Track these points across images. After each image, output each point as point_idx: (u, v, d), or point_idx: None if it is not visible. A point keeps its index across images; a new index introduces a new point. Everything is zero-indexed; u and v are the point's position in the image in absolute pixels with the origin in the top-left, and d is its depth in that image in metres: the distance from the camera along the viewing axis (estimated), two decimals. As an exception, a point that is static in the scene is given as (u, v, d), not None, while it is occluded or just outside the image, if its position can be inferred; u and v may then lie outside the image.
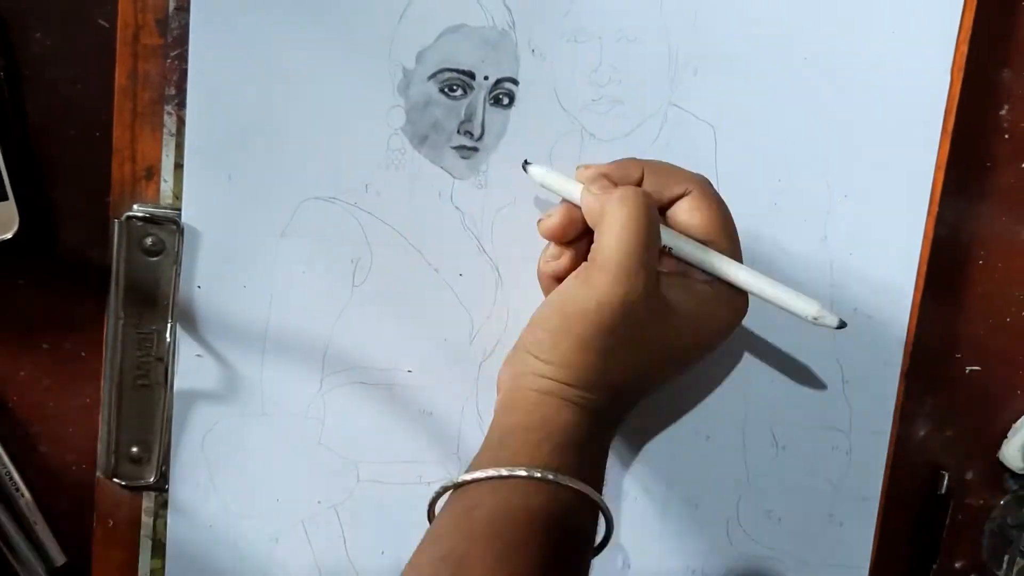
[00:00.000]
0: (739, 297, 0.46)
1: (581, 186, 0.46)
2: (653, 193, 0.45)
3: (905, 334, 0.54)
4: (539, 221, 0.47)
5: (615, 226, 0.42)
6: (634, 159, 0.46)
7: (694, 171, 0.46)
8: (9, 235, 0.48)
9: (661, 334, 0.44)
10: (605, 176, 0.45)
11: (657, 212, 0.44)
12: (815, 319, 0.45)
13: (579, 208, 0.46)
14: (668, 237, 0.45)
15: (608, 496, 0.53)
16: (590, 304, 0.42)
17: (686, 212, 0.45)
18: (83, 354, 0.51)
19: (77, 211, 0.50)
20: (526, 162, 0.48)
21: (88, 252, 0.50)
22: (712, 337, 0.46)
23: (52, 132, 0.49)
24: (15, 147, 0.48)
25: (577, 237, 0.46)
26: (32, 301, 0.51)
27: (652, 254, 0.43)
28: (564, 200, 0.47)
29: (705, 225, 0.45)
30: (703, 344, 0.46)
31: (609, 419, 0.45)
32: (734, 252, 0.46)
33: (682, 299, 0.44)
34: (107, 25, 0.49)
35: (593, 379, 0.43)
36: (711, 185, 0.46)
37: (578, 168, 0.47)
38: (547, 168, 0.47)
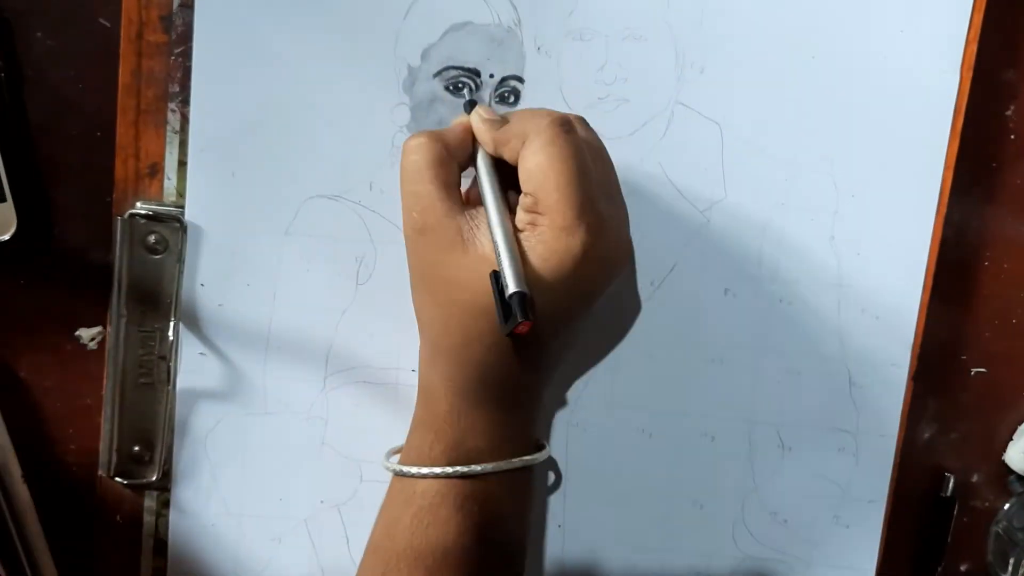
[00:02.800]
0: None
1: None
2: (508, 154, 0.43)
3: (913, 335, 0.53)
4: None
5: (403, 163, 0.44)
6: (495, 122, 0.44)
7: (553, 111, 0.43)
8: (7, 236, 0.48)
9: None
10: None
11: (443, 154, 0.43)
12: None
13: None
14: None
15: (610, 496, 0.53)
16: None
17: (522, 166, 0.42)
18: (84, 354, 0.50)
19: (77, 211, 0.49)
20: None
21: (89, 252, 0.50)
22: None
23: (53, 132, 0.49)
24: (15, 148, 0.48)
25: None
26: (32, 302, 0.50)
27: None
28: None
29: (530, 180, 0.41)
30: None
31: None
32: (565, 215, 0.41)
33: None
34: (108, 25, 0.48)
35: None
36: (560, 130, 0.41)
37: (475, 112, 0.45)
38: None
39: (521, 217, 0.42)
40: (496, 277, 0.40)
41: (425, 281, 0.44)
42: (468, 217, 0.42)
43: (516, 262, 0.40)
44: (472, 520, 0.43)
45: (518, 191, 0.43)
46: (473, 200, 0.45)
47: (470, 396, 0.43)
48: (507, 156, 0.43)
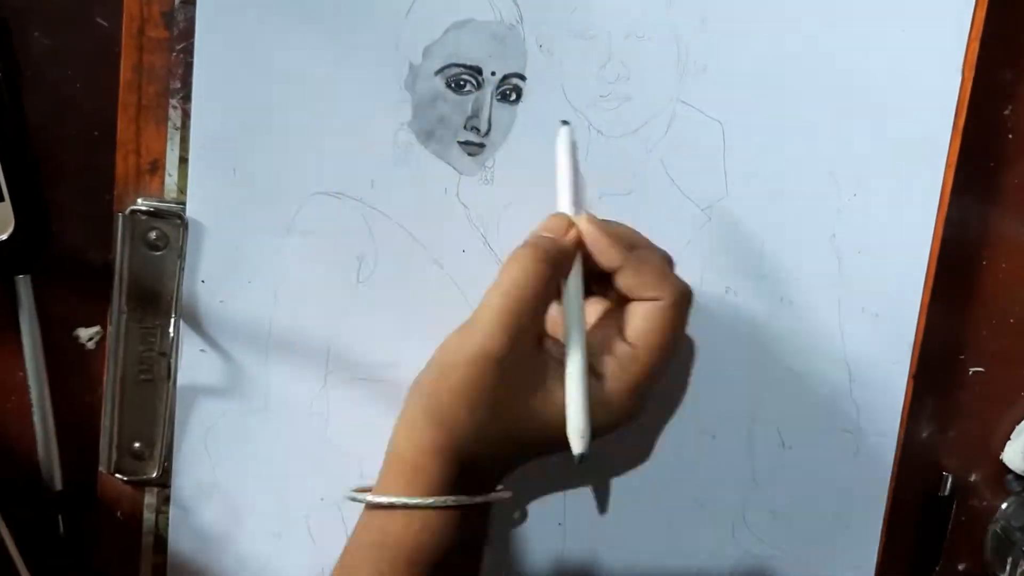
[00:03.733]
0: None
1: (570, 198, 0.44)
2: (627, 288, 0.43)
3: (913, 334, 0.53)
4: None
5: (501, 282, 0.42)
6: (631, 248, 0.43)
7: (683, 282, 0.43)
8: (5, 236, 0.47)
9: (525, 400, 0.42)
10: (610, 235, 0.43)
11: (547, 277, 0.42)
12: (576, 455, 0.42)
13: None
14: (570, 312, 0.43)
15: (613, 496, 0.52)
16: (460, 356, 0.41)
17: (637, 314, 0.42)
18: (83, 353, 0.50)
19: (75, 211, 0.49)
20: (564, 121, 0.45)
21: (87, 252, 0.49)
22: (535, 431, 0.43)
23: (51, 131, 0.48)
24: (13, 147, 0.47)
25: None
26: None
27: (526, 317, 0.41)
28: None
29: (639, 335, 0.42)
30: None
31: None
32: (638, 376, 0.42)
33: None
34: (107, 24, 0.48)
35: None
36: (687, 306, 0.43)
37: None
38: (569, 147, 0.44)
39: (610, 363, 0.42)
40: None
41: (491, 407, 0.42)
42: (551, 354, 0.43)
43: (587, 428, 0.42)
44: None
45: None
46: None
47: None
48: (629, 288, 0.43)
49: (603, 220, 0.44)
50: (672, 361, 0.43)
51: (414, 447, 0.42)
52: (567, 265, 0.43)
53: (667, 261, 0.45)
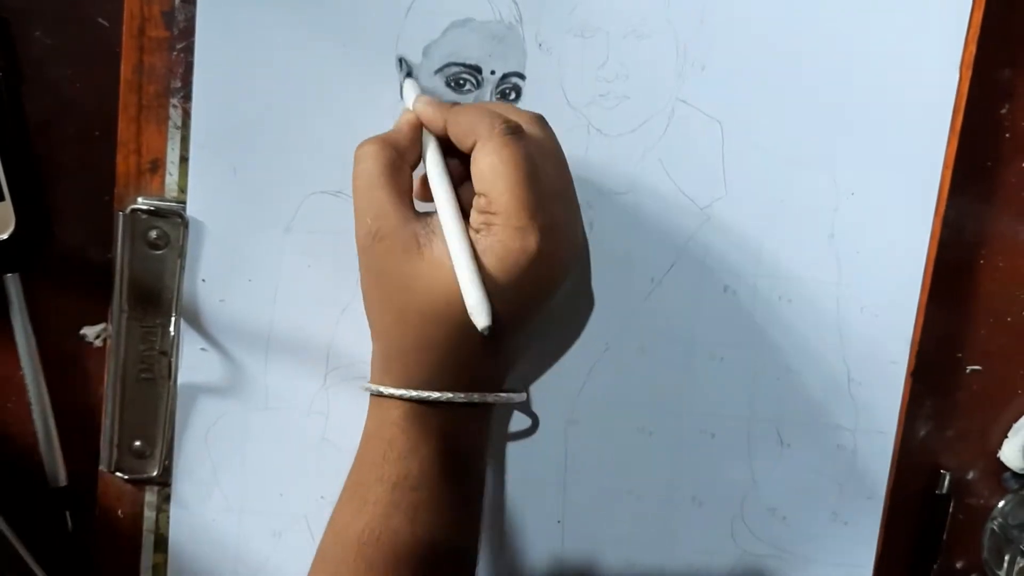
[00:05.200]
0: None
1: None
2: (456, 143, 0.43)
3: (911, 333, 0.52)
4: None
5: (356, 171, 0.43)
6: (454, 104, 0.45)
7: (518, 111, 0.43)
8: (5, 235, 0.47)
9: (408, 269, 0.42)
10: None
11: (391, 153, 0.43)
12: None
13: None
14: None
15: (611, 495, 0.52)
16: None
17: (475, 164, 0.42)
18: (84, 352, 0.50)
19: (76, 210, 0.49)
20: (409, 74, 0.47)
21: (88, 251, 0.49)
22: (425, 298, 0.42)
23: (51, 131, 0.48)
24: (14, 146, 0.47)
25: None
26: (31, 301, 0.49)
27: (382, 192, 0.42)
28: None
29: (480, 181, 0.41)
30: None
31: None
32: (518, 217, 0.41)
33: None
34: (107, 24, 0.48)
35: None
36: (511, 132, 0.41)
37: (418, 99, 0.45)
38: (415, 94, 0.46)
39: (475, 218, 0.42)
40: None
41: (380, 288, 0.43)
42: (424, 223, 0.42)
43: (475, 272, 0.40)
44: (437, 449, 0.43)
45: (467, 183, 0.43)
46: (426, 199, 0.44)
47: (423, 404, 0.43)
48: (457, 143, 0.43)
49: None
50: (533, 188, 0.41)
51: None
52: (411, 136, 0.44)
53: (492, 110, 0.43)
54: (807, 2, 0.49)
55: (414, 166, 0.44)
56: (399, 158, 0.43)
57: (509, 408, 0.50)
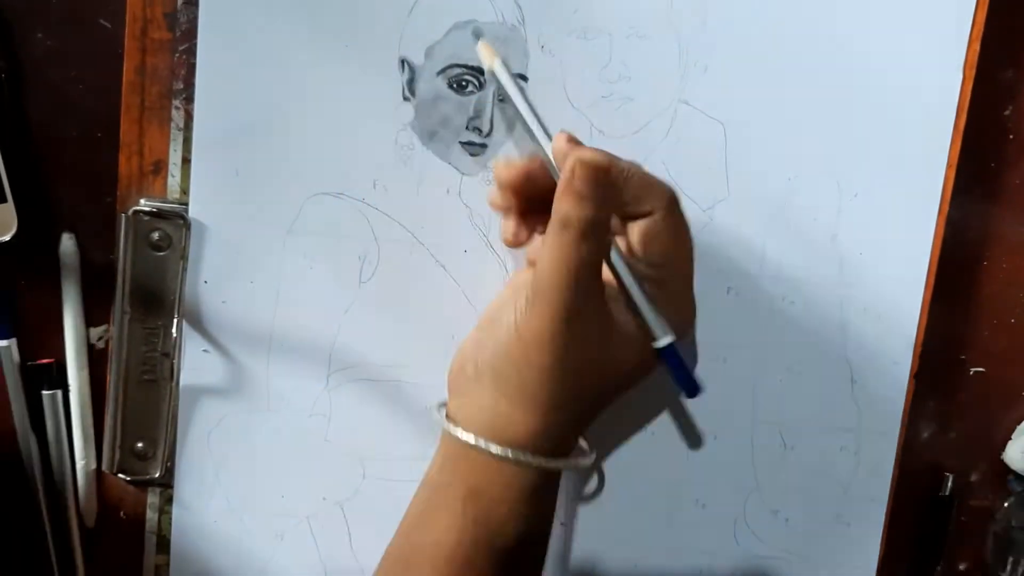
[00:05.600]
0: (646, 347, 0.43)
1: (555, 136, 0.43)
2: (625, 203, 0.42)
3: (914, 334, 0.52)
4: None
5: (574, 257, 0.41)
6: (615, 161, 0.42)
7: (664, 183, 0.43)
8: (8, 237, 0.47)
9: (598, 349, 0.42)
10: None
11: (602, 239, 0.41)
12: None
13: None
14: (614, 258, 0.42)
15: (613, 494, 0.52)
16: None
17: (643, 234, 0.42)
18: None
19: (78, 211, 0.49)
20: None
21: (89, 252, 0.49)
22: (616, 374, 0.43)
23: (53, 132, 0.48)
24: (16, 148, 0.47)
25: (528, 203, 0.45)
26: (32, 302, 0.49)
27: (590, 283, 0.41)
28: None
29: (658, 253, 0.42)
30: (607, 375, 0.43)
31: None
32: (679, 285, 0.44)
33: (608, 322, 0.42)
34: (109, 25, 0.47)
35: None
36: (679, 205, 0.43)
37: (560, 135, 0.43)
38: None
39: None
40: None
41: (569, 361, 0.41)
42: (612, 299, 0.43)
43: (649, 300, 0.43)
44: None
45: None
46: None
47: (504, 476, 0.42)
48: (627, 205, 0.42)
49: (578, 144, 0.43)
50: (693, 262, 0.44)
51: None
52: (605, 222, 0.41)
53: (650, 175, 0.43)
54: (810, 3, 0.49)
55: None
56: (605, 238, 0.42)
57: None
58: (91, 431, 0.50)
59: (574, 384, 0.41)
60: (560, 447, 0.43)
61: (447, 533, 0.41)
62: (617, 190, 0.41)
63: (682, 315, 0.44)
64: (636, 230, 0.42)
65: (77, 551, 0.50)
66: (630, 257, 0.43)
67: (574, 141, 0.43)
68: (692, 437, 0.52)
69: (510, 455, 0.41)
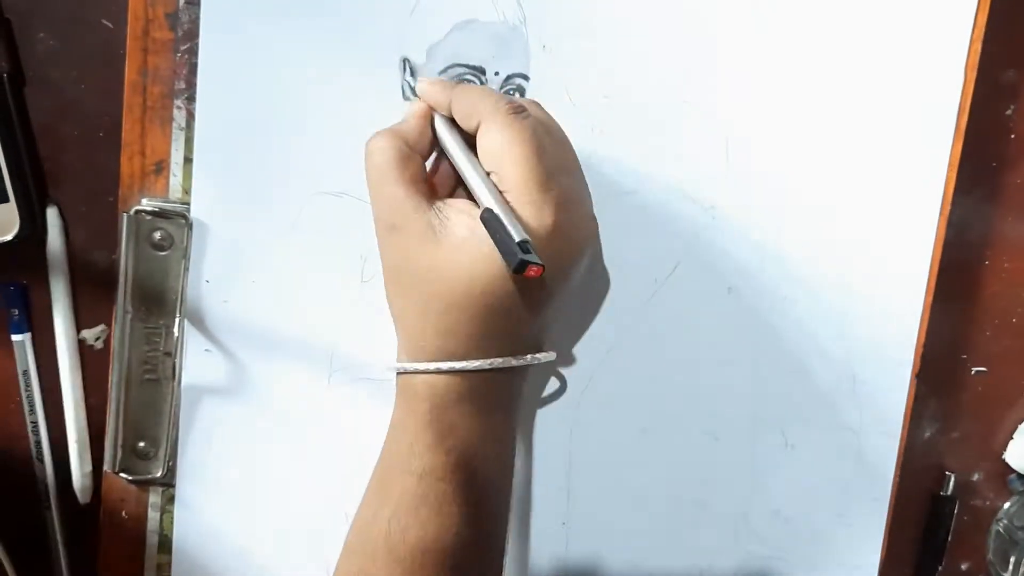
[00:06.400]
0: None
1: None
2: (461, 124, 0.43)
3: (916, 334, 0.52)
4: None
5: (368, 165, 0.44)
6: (453, 84, 0.45)
7: (499, 95, 0.43)
8: (9, 236, 0.47)
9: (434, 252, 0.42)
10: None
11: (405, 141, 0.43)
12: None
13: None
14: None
15: (613, 495, 0.52)
16: None
17: (478, 145, 0.42)
18: (87, 353, 0.50)
19: (79, 212, 0.49)
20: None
21: (91, 252, 0.49)
22: (457, 276, 0.41)
23: (55, 133, 0.48)
24: (18, 148, 0.47)
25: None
26: (34, 302, 0.49)
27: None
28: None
29: (490, 159, 0.42)
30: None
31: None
32: (525, 189, 0.41)
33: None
34: (111, 25, 0.47)
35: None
36: (508, 112, 0.41)
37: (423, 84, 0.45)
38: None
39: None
40: (491, 221, 0.39)
41: (400, 279, 0.43)
42: (437, 210, 0.42)
43: (512, 215, 0.40)
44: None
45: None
46: (439, 189, 0.45)
47: (450, 394, 0.42)
48: (461, 123, 0.43)
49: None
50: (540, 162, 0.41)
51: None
52: (420, 126, 0.44)
53: (489, 92, 0.44)
54: (813, 3, 0.49)
55: (425, 155, 0.44)
56: (409, 148, 0.43)
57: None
58: (85, 432, 0.50)
59: (415, 290, 0.42)
60: (443, 352, 0.42)
61: (411, 456, 0.42)
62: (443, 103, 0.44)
63: (541, 220, 0.40)
64: (477, 142, 0.43)
65: (61, 552, 0.50)
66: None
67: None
68: (693, 436, 0.52)
69: (406, 369, 0.43)
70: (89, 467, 0.50)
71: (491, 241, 0.39)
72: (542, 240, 0.40)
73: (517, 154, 0.40)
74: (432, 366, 0.42)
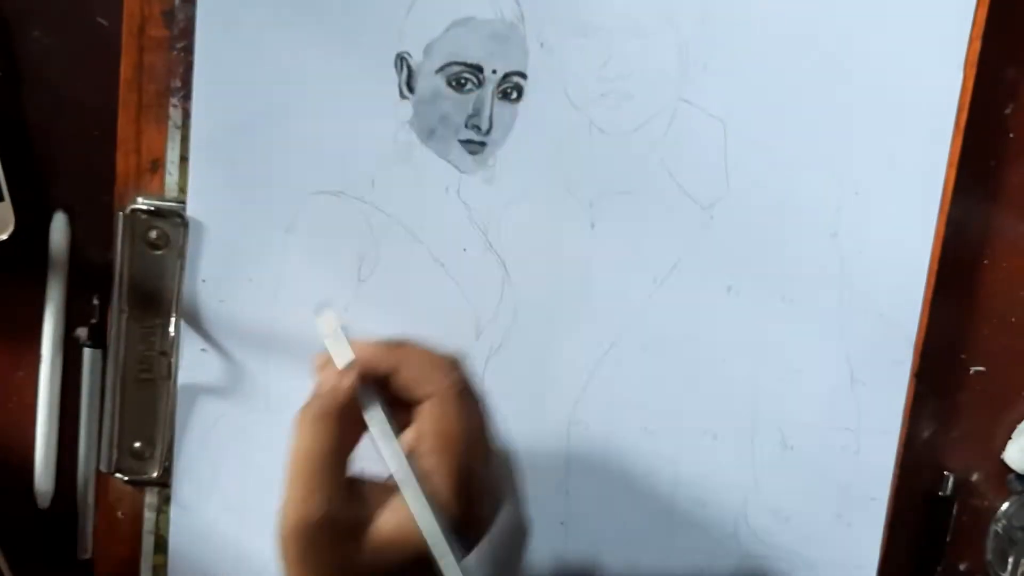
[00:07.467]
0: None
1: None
2: (403, 386, 0.39)
3: (915, 333, 0.52)
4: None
5: (294, 449, 0.40)
6: (398, 346, 0.40)
7: (452, 362, 0.40)
8: (5, 235, 0.47)
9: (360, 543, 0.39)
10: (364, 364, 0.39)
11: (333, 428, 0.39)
12: None
13: None
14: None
15: (612, 494, 0.52)
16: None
17: (420, 418, 0.39)
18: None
19: (75, 210, 0.48)
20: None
21: (87, 251, 0.49)
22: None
23: (51, 131, 0.48)
24: (13, 147, 0.47)
25: None
26: (30, 301, 0.49)
27: (329, 472, 0.39)
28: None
29: (433, 438, 0.38)
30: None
31: None
32: (468, 475, 0.38)
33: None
34: (106, 24, 0.47)
35: None
36: (463, 387, 0.39)
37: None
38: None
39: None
40: None
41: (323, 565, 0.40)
42: (362, 502, 0.39)
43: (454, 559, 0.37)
44: None
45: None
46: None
47: None
48: (404, 390, 0.39)
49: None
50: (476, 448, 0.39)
51: None
52: (348, 403, 0.39)
53: (433, 355, 0.41)
54: (811, 1, 0.49)
55: (358, 436, 0.41)
56: (344, 433, 0.39)
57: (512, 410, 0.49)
58: (55, 436, 0.49)
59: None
60: None
61: None
62: (382, 373, 0.39)
63: (472, 510, 0.38)
64: (417, 412, 0.39)
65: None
66: (415, 445, 0.39)
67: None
68: (692, 436, 0.52)
69: None
70: (53, 470, 0.49)
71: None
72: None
73: (467, 443, 0.38)
74: None
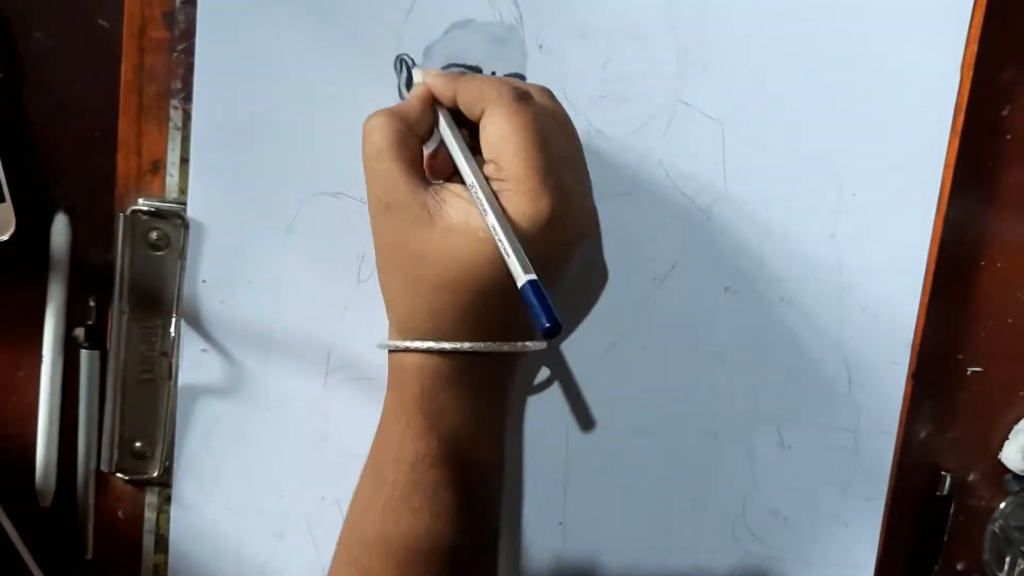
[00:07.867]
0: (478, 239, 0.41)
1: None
2: (465, 112, 0.43)
3: (912, 334, 0.52)
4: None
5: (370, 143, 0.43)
6: (458, 76, 0.44)
7: (504, 81, 0.43)
8: (6, 237, 0.46)
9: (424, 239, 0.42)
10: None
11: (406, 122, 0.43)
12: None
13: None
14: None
15: (611, 494, 0.52)
16: None
17: (480, 134, 0.42)
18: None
19: (76, 211, 0.48)
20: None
21: (88, 252, 0.49)
22: (445, 261, 0.41)
23: (52, 132, 0.48)
24: (14, 148, 0.47)
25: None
26: (31, 302, 0.49)
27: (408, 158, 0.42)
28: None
29: (491, 148, 0.41)
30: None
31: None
32: (524, 178, 0.40)
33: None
34: (107, 25, 0.47)
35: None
36: (513, 99, 0.41)
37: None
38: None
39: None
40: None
41: (392, 259, 0.43)
42: (433, 192, 0.42)
43: (517, 245, 0.39)
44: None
45: (478, 153, 0.42)
46: (436, 171, 0.45)
47: (441, 377, 0.42)
48: (466, 112, 0.43)
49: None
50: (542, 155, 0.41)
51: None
52: (421, 108, 0.43)
53: (500, 79, 0.44)
54: (808, 3, 0.49)
55: (424, 138, 0.44)
56: (408, 129, 0.42)
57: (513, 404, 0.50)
58: (56, 436, 0.49)
59: (407, 270, 0.42)
60: (434, 333, 0.42)
61: (403, 444, 0.42)
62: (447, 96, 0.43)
63: (537, 210, 0.40)
64: (480, 130, 0.42)
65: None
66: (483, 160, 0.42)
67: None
68: (691, 436, 0.52)
69: (405, 346, 0.43)
70: (54, 470, 0.49)
71: (484, 226, 0.40)
72: (538, 229, 0.40)
73: (518, 144, 0.40)
74: (423, 345, 0.42)
